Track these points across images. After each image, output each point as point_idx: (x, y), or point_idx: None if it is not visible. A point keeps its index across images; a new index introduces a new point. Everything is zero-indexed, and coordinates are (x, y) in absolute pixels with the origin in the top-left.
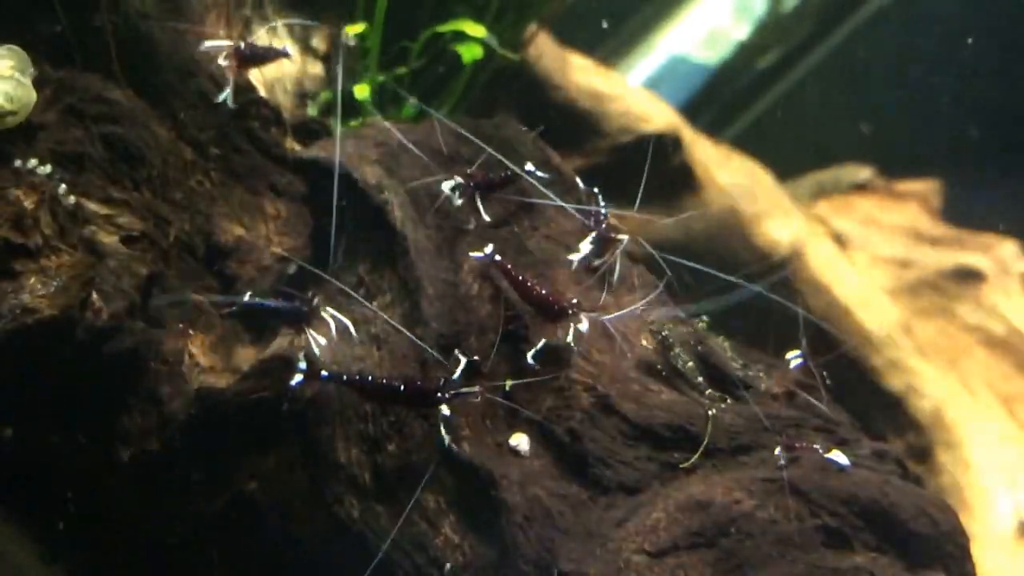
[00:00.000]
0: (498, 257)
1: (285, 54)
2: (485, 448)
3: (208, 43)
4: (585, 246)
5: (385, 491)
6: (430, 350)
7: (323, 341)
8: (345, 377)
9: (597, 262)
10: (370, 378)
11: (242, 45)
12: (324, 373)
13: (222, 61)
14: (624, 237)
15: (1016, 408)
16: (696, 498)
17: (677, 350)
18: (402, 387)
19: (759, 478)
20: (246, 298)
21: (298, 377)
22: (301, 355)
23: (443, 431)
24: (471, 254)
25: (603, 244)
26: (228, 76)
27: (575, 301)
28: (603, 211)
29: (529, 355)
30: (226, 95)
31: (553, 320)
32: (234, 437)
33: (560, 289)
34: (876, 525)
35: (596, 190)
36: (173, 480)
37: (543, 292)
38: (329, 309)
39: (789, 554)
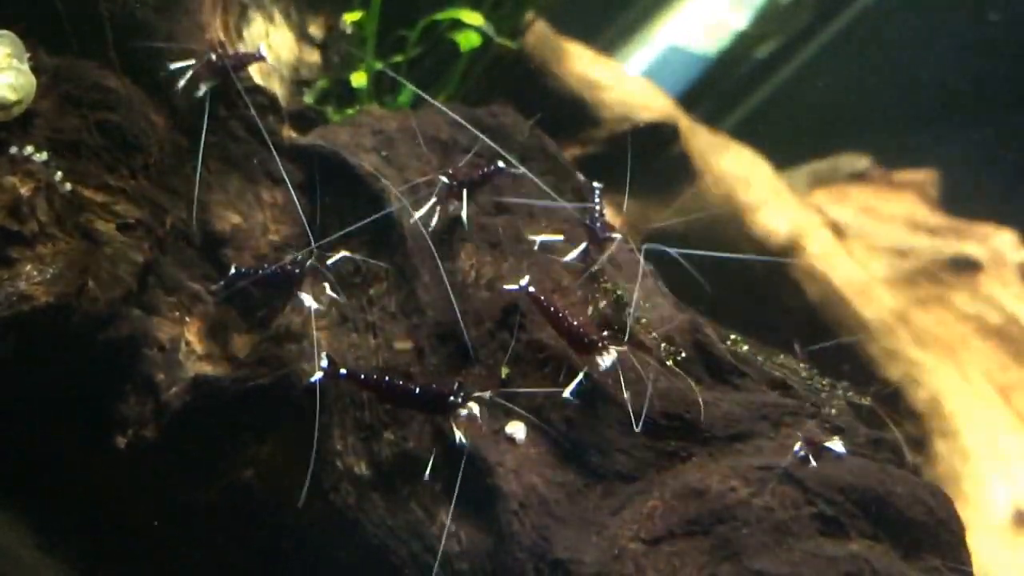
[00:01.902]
0: (531, 289)
1: (261, 57)
2: (481, 436)
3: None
4: (575, 253)
5: (381, 479)
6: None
7: (315, 305)
8: (363, 376)
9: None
10: (387, 379)
11: (213, 57)
12: (343, 371)
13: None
14: (617, 236)
15: (1013, 397)
16: (692, 486)
17: (631, 309)
18: (417, 391)
19: (755, 466)
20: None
21: (318, 374)
22: (324, 354)
23: (456, 435)
24: (504, 287)
25: (598, 243)
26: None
27: (605, 335)
28: (598, 207)
29: (567, 391)
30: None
31: (582, 352)
32: (230, 425)
33: (584, 320)
34: (872, 513)
35: (596, 184)
36: (170, 468)
37: (575, 324)
38: (320, 268)
39: (785, 542)
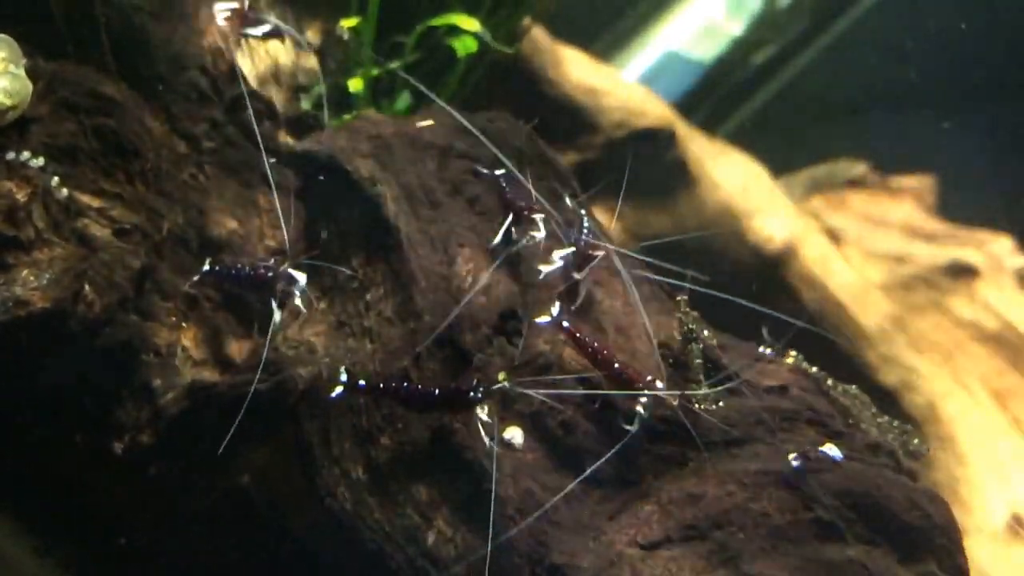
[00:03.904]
0: (566, 323)
1: (279, 35)
2: (478, 441)
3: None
4: (558, 258)
5: (378, 483)
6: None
7: (278, 315)
8: (382, 385)
9: (576, 276)
10: (405, 385)
11: (247, 5)
12: (361, 383)
13: (223, 22)
14: (599, 254)
15: (1009, 403)
16: (689, 491)
17: (693, 346)
18: (437, 392)
19: (752, 471)
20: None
21: (339, 389)
22: (342, 368)
23: (482, 432)
24: (536, 320)
25: (582, 258)
26: (230, 41)
27: (648, 378)
28: (586, 226)
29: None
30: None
31: (622, 390)
32: (227, 430)
33: (630, 361)
34: (869, 518)
35: (583, 212)
36: (166, 473)
37: (617, 365)
38: (295, 274)
39: (782, 547)
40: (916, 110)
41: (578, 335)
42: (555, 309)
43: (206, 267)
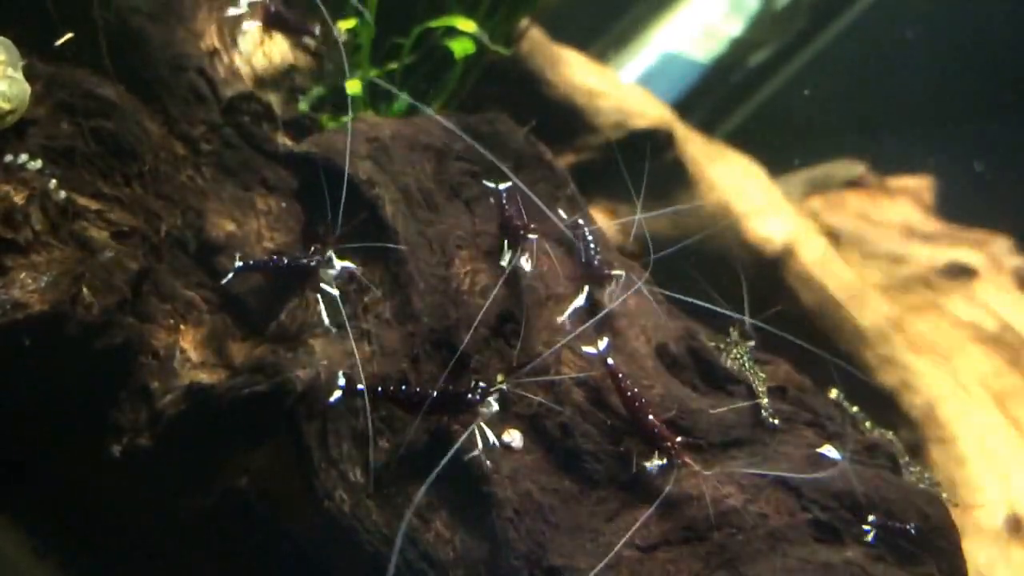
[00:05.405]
0: (610, 361)
1: (310, 32)
2: (476, 443)
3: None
4: (581, 300)
5: (376, 486)
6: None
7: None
8: (380, 389)
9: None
10: (403, 388)
11: (270, 3)
12: (359, 386)
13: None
14: (620, 273)
15: (1008, 404)
16: (687, 492)
17: (755, 367)
18: (435, 394)
19: (750, 472)
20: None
21: (337, 394)
22: (340, 372)
23: (486, 431)
24: (584, 349)
25: (599, 281)
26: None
27: (679, 440)
28: (592, 245)
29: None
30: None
31: (649, 446)
32: (225, 432)
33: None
34: (868, 519)
35: (580, 221)
36: (165, 475)
37: (650, 419)
38: (338, 261)
39: (780, 548)
40: (911, 117)
41: (620, 375)
42: (603, 344)
43: (238, 263)
